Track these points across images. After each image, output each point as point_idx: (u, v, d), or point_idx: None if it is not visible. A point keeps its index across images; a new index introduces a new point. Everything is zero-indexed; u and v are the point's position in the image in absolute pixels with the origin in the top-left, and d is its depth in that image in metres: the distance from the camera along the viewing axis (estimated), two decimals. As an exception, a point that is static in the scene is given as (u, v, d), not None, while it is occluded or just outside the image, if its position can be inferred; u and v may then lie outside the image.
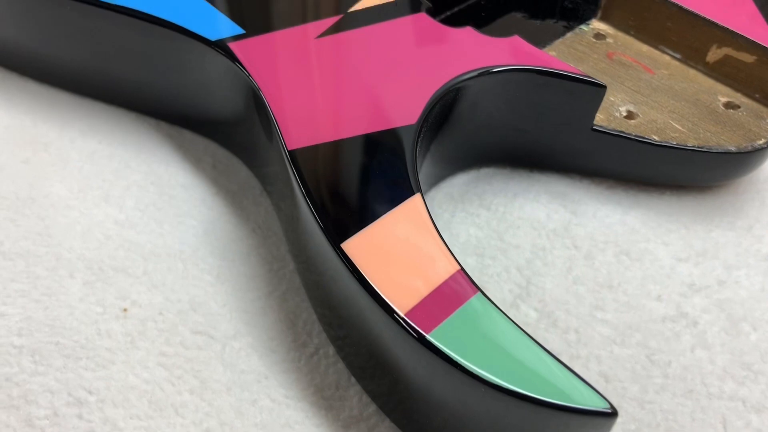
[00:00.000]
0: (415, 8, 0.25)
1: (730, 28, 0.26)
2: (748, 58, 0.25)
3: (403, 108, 0.21)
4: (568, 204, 0.25)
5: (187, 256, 0.23)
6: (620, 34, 0.29)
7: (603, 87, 0.23)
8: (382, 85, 0.22)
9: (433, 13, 0.26)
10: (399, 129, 0.21)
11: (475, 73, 0.22)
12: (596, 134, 0.24)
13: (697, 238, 0.25)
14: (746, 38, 0.25)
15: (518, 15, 0.30)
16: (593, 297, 0.23)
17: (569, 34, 0.28)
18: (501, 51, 0.23)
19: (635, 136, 0.24)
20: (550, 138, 0.25)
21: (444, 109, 0.23)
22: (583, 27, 0.29)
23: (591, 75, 0.26)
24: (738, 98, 0.26)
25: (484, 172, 0.27)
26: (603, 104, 0.25)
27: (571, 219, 0.25)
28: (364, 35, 0.24)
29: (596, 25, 0.29)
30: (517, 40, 0.24)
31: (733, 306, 0.23)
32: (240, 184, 0.25)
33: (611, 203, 0.25)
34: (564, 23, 0.29)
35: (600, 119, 0.25)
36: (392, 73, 0.23)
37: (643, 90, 0.26)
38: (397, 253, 0.17)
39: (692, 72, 0.27)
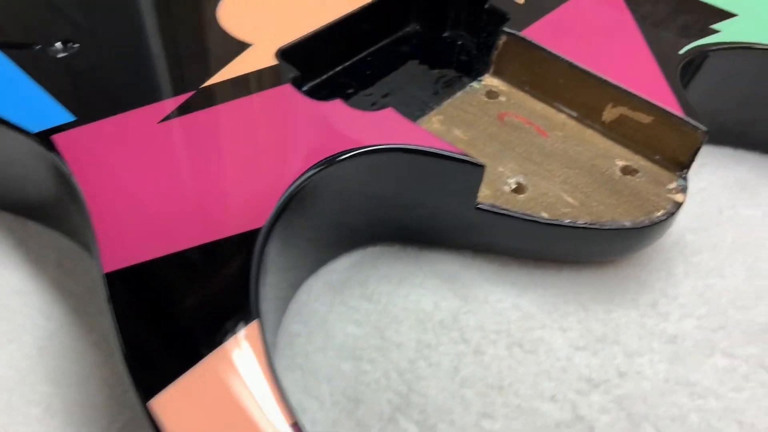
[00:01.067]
0: (278, 79, 0.23)
1: (624, 86, 0.24)
2: (644, 118, 0.24)
3: (250, 208, 0.19)
4: (459, 288, 0.23)
5: (14, 384, 0.20)
6: (514, 91, 0.27)
7: (481, 167, 0.21)
8: (227, 179, 0.19)
9: (300, 81, 0.24)
10: (240, 236, 0.18)
11: (336, 159, 0.20)
12: (482, 212, 0.22)
13: (596, 321, 0.23)
14: (641, 98, 0.24)
15: (405, 73, 0.28)
16: (481, 402, 0.20)
17: (459, 94, 0.26)
18: (368, 130, 0.21)
19: (522, 214, 0.22)
20: (435, 215, 0.23)
21: (304, 200, 0.20)
22: (475, 84, 0.27)
23: (480, 141, 0.24)
24: (637, 161, 0.24)
25: (371, 252, 0.24)
26: (491, 176, 0.23)
27: (461, 306, 0.23)
28: (215, 116, 0.21)
29: (489, 81, 0.27)
30: (389, 114, 0.22)
31: (634, 403, 0.21)
32: (86, 286, 0.22)
33: (505, 284, 0.23)
34: (456, 78, 0.27)
35: (486, 195, 0.23)
36: (242, 162, 0.20)
37: (534, 157, 0.24)
38: (217, 409, 0.14)
39: (589, 132, 0.25)
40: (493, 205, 0.22)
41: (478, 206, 0.22)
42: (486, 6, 0.27)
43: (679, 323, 0.22)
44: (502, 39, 0.26)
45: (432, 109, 0.26)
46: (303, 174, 0.19)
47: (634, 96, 0.23)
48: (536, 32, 0.26)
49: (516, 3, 0.27)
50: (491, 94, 0.26)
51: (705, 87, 0.26)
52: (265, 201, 0.19)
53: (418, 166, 0.21)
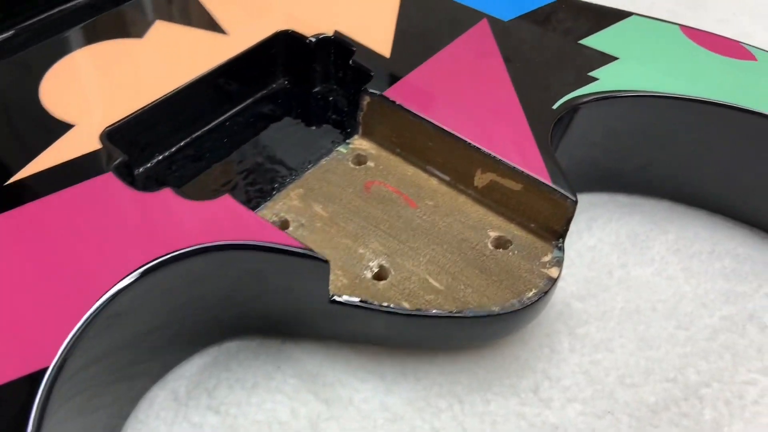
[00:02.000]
0: (98, 167, 0.20)
1: (490, 151, 0.22)
2: (514, 185, 0.22)
3: (36, 342, 0.16)
4: (321, 389, 0.21)
5: None
6: (384, 154, 0.24)
7: (325, 263, 0.19)
8: (11, 307, 0.17)
9: (131, 165, 0.21)
10: (21, 380, 0.15)
11: (152, 267, 0.18)
12: (338, 305, 0.20)
13: (473, 415, 0.20)
14: (507, 164, 0.22)
15: (268, 137, 0.26)
16: None
17: (324, 161, 0.24)
18: (198, 225, 0.19)
19: (380, 306, 0.20)
20: (287, 309, 0.21)
21: (119, 315, 0.18)
22: (342, 149, 0.24)
23: (342, 217, 0.22)
24: (511, 231, 0.22)
25: (227, 349, 0.22)
26: (351, 260, 0.21)
27: (322, 412, 0.20)
28: (19, 219, 0.19)
29: (358, 144, 0.25)
30: (225, 203, 0.19)
31: None
32: None
33: (373, 379, 0.21)
34: (324, 141, 0.25)
35: (343, 284, 0.20)
36: (34, 284, 0.17)
37: (400, 233, 0.22)
38: None
39: (462, 199, 0.23)
40: (348, 298, 0.20)
41: (332, 299, 0.20)
42: (350, 62, 0.25)
43: (562, 410, 0.21)
44: (365, 99, 0.24)
45: (294, 180, 0.23)
46: (104, 294, 0.17)
47: (501, 162, 0.22)
48: (402, 90, 0.24)
49: (382, 57, 0.25)
50: (359, 159, 0.24)
51: (587, 137, 0.25)
52: (55, 332, 0.16)
53: (254, 263, 0.19)
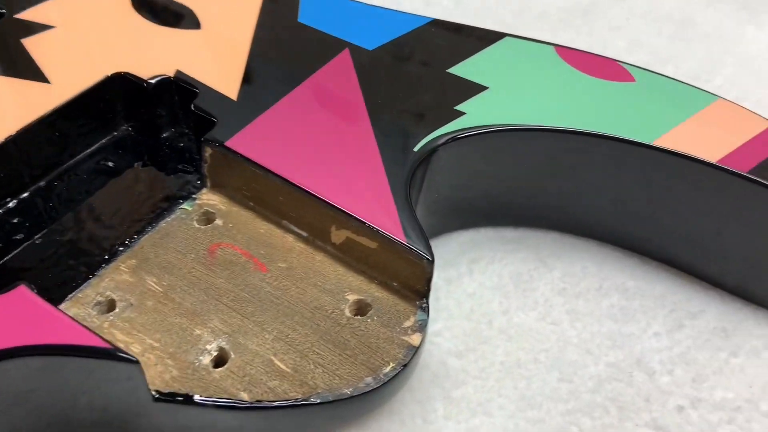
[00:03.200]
0: None
1: (341, 207, 0.20)
2: (369, 243, 0.20)
3: None
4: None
5: None
6: (236, 210, 0.22)
7: (135, 362, 0.16)
8: None
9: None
10: None
11: None
12: (164, 404, 0.18)
13: None
14: (359, 220, 0.20)
15: (105, 196, 0.22)
16: None
17: (164, 223, 0.21)
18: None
19: (212, 400, 0.17)
20: (113, 413, 0.18)
21: None
22: (187, 206, 0.22)
23: (179, 291, 0.19)
24: (371, 292, 0.20)
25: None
26: (185, 344, 0.18)
27: None
28: None
29: (207, 198, 0.22)
30: (20, 295, 0.17)
31: None
32: None
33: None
34: (168, 196, 0.23)
35: (172, 376, 0.18)
36: None
37: (246, 306, 0.19)
38: None
39: (319, 258, 0.21)
40: (175, 394, 0.17)
41: (157, 398, 0.17)
42: (191, 106, 0.23)
43: (433, 493, 0.19)
44: (207, 150, 0.22)
45: (127, 248, 0.21)
46: None
47: (353, 218, 0.20)
48: (247, 138, 0.21)
49: (229, 99, 0.23)
50: (207, 217, 0.21)
51: (459, 174, 0.23)
52: None
53: (50, 367, 0.16)
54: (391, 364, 0.18)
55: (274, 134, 0.21)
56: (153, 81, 0.23)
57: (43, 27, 0.24)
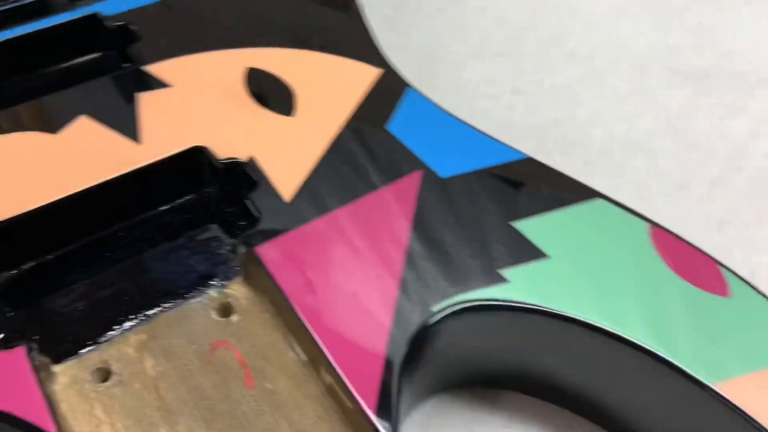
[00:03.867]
0: None
1: (329, 355, 0.19)
2: (347, 402, 0.18)
3: None
4: None
5: None
6: (256, 310, 0.21)
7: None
8: None
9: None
10: None
11: None
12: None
13: None
14: (341, 377, 0.18)
15: (154, 258, 0.24)
16: None
17: (187, 304, 0.21)
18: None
19: None
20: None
21: None
22: (213, 292, 0.22)
23: (166, 382, 0.19)
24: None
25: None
26: None
27: None
28: None
29: (235, 290, 0.22)
30: (10, 356, 0.18)
31: None
32: None
33: None
34: (202, 276, 0.23)
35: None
36: None
37: (216, 422, 0.19)
38: None
39: (307, 390, 0.19)
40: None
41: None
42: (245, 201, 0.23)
43: None
44: (241, 248, 0.22)
45: (144, 322, 0.22)
46: None
47: (336, 372, 0.19)
48: (278, 248, 0.21)
49: (281, 199, 0.23)
50: (226, 310, 0.22)
51: (467, 343, 0.21)
52: None
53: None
54: None
55: (303, 250, 0.21)
56: (224, 162, 0.24)
57: (162, 84, 0.27)
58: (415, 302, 0.20)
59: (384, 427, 0.17)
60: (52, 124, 0.24)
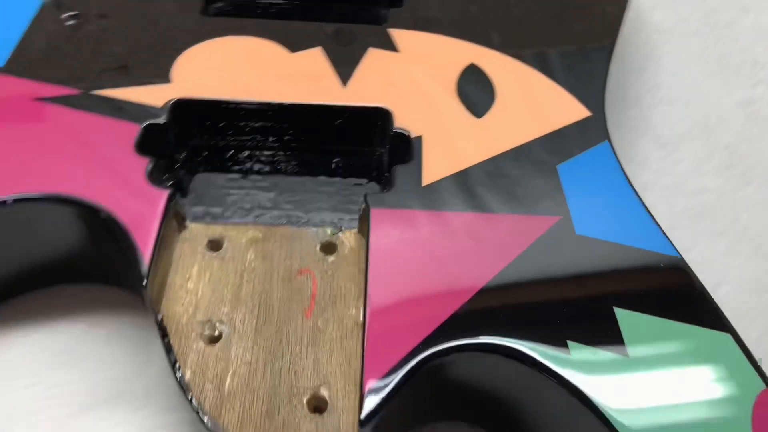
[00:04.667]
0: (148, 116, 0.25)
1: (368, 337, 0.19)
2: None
3: None
4: None
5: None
6: (350, 262, 0.23)
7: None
8: None
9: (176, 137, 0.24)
10: None
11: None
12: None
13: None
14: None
15: (299, 184, 0.26)
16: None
17: (306, 229, 0.24)
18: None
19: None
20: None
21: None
22: (329, 229, 0.24)
23: (252, 277, 0.22)
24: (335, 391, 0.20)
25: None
26: (200, 315, 0.22)
27: None
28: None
29: (347, 237, 0.24)
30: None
31: None
32: None
33: None
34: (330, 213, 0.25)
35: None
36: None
37: (264, 329, 0.21)
38: None
39: (349, 344, 0.21)
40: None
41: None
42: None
43: None
44: (362, 204, 0.23)
45: (270, 222, 0.24)
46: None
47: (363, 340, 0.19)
48: (392, 219, 0.22)
49: (420, 183, 0.24)
50: (327, 249, 0.24)
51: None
52: None
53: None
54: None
55: (406, 231, 0.22)
56: (397, 130, 0.25)
57: (393, 48, 0.29)
58: (459, 326, 0.20)
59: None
60: (295, 44, 0.29)
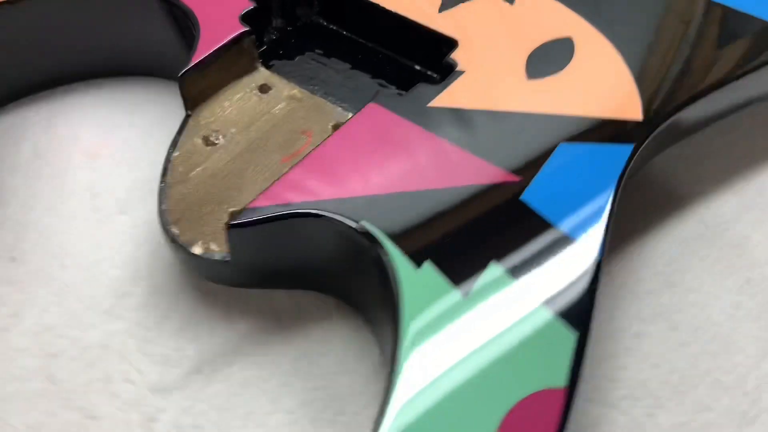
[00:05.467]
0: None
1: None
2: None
3: None
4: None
5: None
6: None
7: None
8: None
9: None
10: None
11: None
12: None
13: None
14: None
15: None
16: None
17: (328, 103, 0.27)
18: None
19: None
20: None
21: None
22: (348, 113, 0.27)
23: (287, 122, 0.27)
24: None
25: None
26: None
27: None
28: None
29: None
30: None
31: None
32: None
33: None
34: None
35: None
36: None
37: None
38: None
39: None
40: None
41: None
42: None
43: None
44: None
45: (312, 91, 0.28)
46: None
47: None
48: (384, 119, 0.24)
49: (431, 100, 0.25)
50: (337, 127, 0.27)
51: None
52: None
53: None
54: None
55: (386, 134, 0.24)
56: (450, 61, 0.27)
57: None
58: (353, 208, 0.22)
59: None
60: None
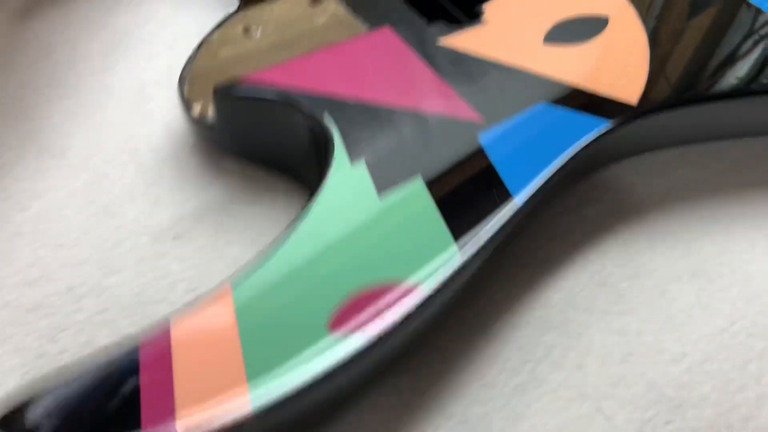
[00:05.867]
0: None
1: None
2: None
3: None
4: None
5: None
6: None
7: None
8: None
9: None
10: None
11: None
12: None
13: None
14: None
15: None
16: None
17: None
18: None
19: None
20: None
21: None
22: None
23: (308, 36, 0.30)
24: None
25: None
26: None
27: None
28: None
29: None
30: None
31: None
32: None
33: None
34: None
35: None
36: None
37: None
38: None
39: None
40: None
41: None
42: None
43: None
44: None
45: (360, 20, 0.30)
46: None
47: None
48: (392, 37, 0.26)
49: (444, 40, 0.26)
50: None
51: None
52: None
53: None
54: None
55: (381, 45, 0.26)
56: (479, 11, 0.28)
57: None
58: (326, 106, 0.24)
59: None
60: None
